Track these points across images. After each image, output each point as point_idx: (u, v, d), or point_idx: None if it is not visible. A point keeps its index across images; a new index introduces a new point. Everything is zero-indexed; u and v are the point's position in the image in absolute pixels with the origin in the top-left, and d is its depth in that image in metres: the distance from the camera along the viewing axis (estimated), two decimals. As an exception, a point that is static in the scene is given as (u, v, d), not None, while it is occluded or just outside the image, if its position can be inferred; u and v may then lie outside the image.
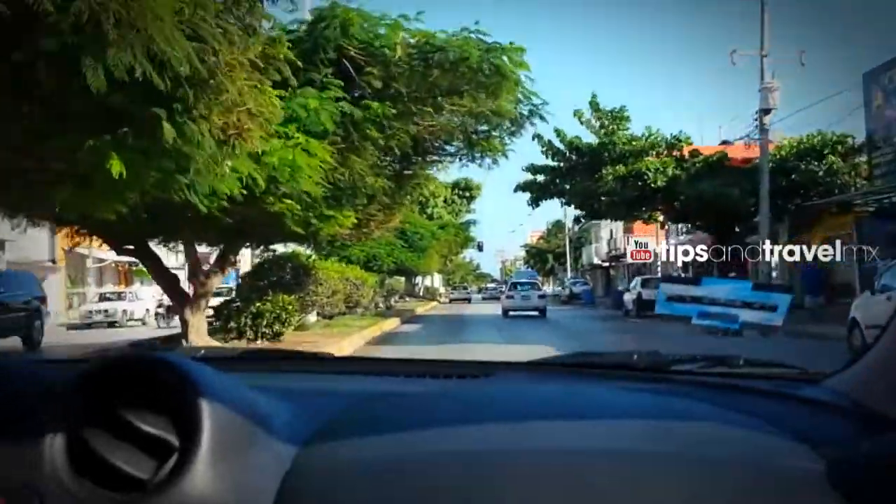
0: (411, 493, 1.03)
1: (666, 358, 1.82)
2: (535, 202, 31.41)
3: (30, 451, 1.03)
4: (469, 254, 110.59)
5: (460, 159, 17.12)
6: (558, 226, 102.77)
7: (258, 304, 17.98)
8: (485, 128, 15.74)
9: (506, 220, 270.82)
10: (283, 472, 1.06)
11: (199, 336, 14.42)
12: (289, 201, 11.20)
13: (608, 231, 65.14)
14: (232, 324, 17.91)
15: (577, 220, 35.25)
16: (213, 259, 16.32)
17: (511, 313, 31.57)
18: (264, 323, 17.82)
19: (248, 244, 18.45)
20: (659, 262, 45.56)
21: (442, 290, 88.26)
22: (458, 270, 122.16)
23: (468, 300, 66.38)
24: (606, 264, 62.88)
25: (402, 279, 40.81)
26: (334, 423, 1.21)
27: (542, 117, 14.48)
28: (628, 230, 56.45)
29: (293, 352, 2.38)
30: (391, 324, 26.77)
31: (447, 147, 16.76)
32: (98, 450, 1.03)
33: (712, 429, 1.19)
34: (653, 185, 26.66)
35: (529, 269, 77.52)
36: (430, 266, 42.58)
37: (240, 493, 1.02)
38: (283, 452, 1.10)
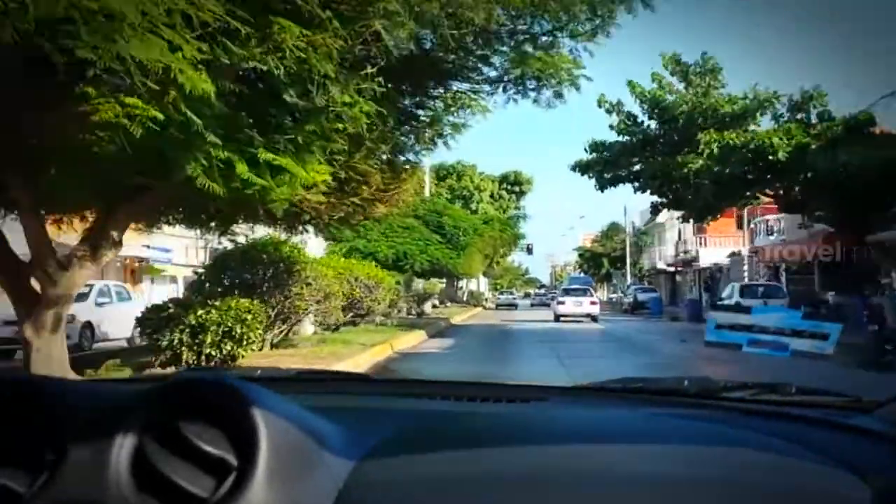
0: None
1: (716, 384, 1.83)
2: (600, 185, 24.78)
3: (95, 468, 1.05)
4: (517, 257, 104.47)
5: (505, 89, 10.60)
6: (614, 228, 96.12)
7: (200, 314, 11.86)
8: (546, 25, 9.30)
9: (557, 222, 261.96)
10: (337, 491, 1.07)
11: (53, 367, 8.27)
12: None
13: (675, 232, 58.06)
14: (162, 341, 11.83)
15: (653, 208, 27.66)
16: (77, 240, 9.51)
17: (562, 319, 32.70)
18: (208, 340, 11.75)
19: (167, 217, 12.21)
20: (744, 267, 38.48)
21: (488, 294, 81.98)
22: (506, 274, 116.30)
23: (514, 306, 62.02)
24: (672, 269, 55.78)
25: (441, 282, 34.23)
26: (387, 442, 1.22)
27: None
28: (701, 230, 49.30)
29: (344, 373, 2.42)
30: (412, 339, 20.25)
31: (483, 67, 10.22)
32: (160, 468, 1.04)
33: (759, 456, 1.18)
34: (771, 158, 19.67)
35: (583, 275, 71.45)
36: (472, 267, 36.03)
37: None
38: (337, 471, 1.11)
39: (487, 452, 1.19)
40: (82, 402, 1.19)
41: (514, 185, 56.72)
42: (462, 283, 72.19)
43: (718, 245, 47.74)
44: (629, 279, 62.23)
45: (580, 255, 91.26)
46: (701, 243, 48.31)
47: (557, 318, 33.09)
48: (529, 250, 78.55)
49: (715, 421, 1.43)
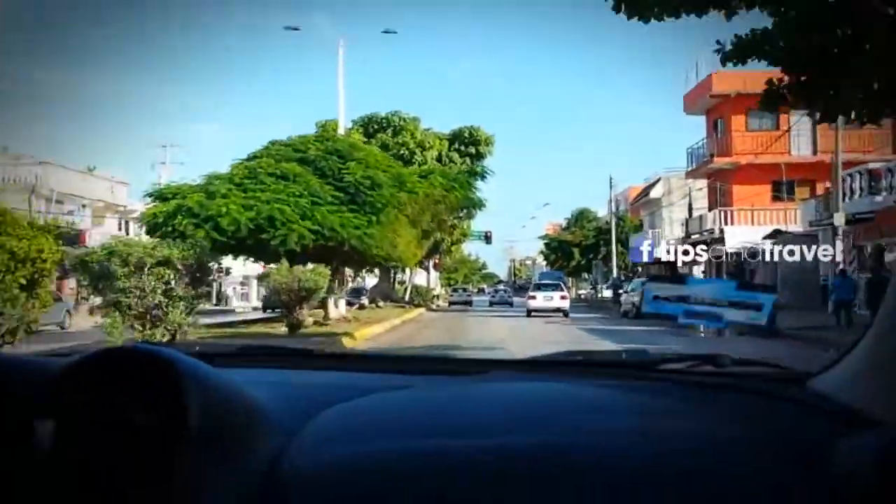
0: (395, 489, 1.01)
1: (654, 356, 1.83)
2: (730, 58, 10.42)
3: (18, 444, 1.02)
4: (473, 248, 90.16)
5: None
6: (584, 214, 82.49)
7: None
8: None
9: (516, 211, 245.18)
10: (269, 465, 1.05)
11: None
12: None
13: (674, 212, 44.30)
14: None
15: (771, 97, 12.70)
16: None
17: (534, 313, 32.60)
18: None
19: None
20: (833, 250, 24.50)
21: (439, 291, 67.70)
22: (461, 267, 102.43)
23: (469, 303, 53.06)
24: (675, 258, 41.98)
25: (325, 270, 19.29)
26: (323, 417, 1.19)
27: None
28: (725, 202, 35.54)
29: (287, 348, 2.21)
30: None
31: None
32: (87, 441, 1.02)
33: (695, 428, 1.19)
34: None
35: (553, 271, 63.02)
36: (396, 245, 21.31)
37: (228, 487, 1.02)
38: (272, 445, 1.09)
39: (428, 426, 1.17)
40: (6, 377, 1.15)
41: (468, 144, 42.08)
42: (404, 277, 57.89)
43: (750, 222, 33.98)
44: (615, 272, 48.19)
45: (546, 245, 77.61)
46: (725, 219, 34.45)
47: (529, 312, 32.88)
48: (488, 238, 65.05)
49: (653, 392, 1.43)
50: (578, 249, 69.31)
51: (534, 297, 34.02)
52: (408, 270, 57.01)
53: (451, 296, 58.19)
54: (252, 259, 22.95)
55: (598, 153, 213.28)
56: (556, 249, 73.44)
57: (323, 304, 26.40)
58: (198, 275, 12.78)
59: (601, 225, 71.50)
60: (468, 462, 1.03)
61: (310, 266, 18.62)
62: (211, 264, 13.70)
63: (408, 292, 51.91)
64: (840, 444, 1.07)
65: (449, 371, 1.74)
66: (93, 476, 0.99)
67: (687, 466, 1.03)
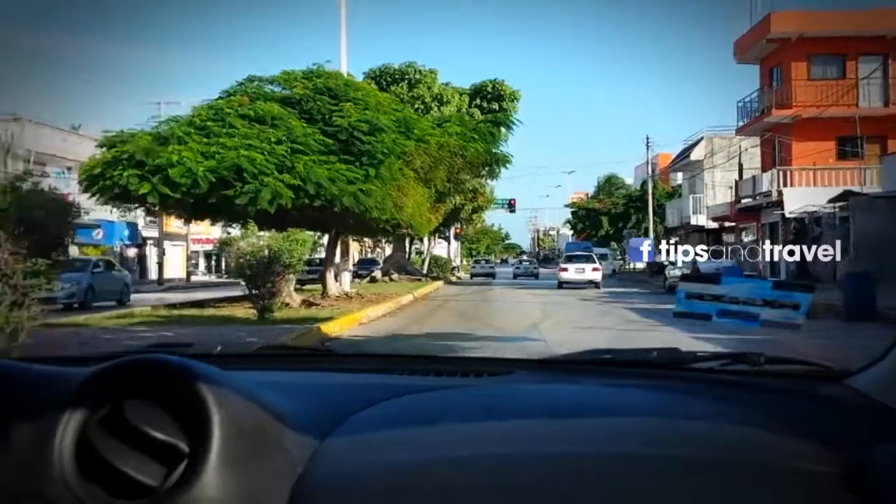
0: (424, 497, 1.00)
1: (685, 355, 1.73)
2: None
3: (37, 457, 1.00)
4: (495, 218, 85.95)
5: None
6: (613, 181, 78.00)
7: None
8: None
9: (540, 180, 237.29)
10: (295, 475, 1.02)
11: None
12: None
13: (719, 177, 39.93)
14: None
15: None
16: None
17: (565, 285, 32.06)
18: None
19: None
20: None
21: (458, 262, 63.77)
22: (483, 238, 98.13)
23: (492, 276, 49.16)
24: (718, 225, 37.58)
25: (312, 236, 15.18)
26: (348, 424, 1.17)
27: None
28: (782, 161, 31.04)
29: (310, 349, 2.36)
30: None
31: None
32: (106, 455, 0.99)
33: (729, 429, 1.16)
34: None
35: (581, 241, 59.40)
36: (406, 212, 17.17)
37: (251, 499, 0.99)
38: (297, 454, 1.06)
39: (453, 430, 1.15)
40: (24, 386, 1.12)
41: (491, 100, 37.64)
42: (422, 247, 53.81)
43: (812, 183, 29.54)
44: (650, 239, 43.85)
45: (573, 214, 73.26)
46: (783, 180, 29.99)
47: (560, 284, 32.39)
48: (511, 207, 61.43)
49: (684, 392, 1.39)
50: (607, 218, 65.38)
51: (565, 269, 33.34)
52: (425, 240, 53.13)
53: (473, 267, 54.24)
54: (223, 223, 18.79)
55: (627, 118, 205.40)
56: (584, 218, 69.19)
57: (321, 279, 22.56)
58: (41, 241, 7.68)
59: (631, 192, 67.40)
60: (493, 467, 1.02)
61: (291, 236, 14.49)
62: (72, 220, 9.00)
63: (426, 264, 47.95)
64: (881, 446, 1.05)
65: (473, 371, 1.65)
66: (114, 493, 0.96)
67: (721, 471, 1.01)
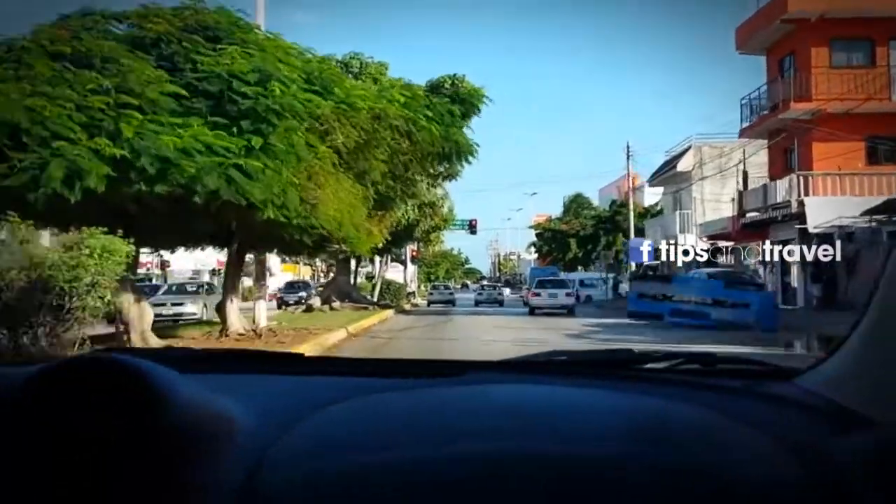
0: (376, 498, 1.00)
1: (639, 355, 1.73)
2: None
3: None
4: (454, 242, 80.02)
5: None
6: (579, 201, 72.63)
7: None
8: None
9: (500, 202, 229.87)
10: (246, 473, 1.01)
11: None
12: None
13: (709, 190, 34.86)
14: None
15: None
16: None
17: (537, 311, 30.37)
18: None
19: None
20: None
21: (415, 287, 57.75)
22: (442, 262, 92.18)
23: (451, 303, 44.12)
24: (710, 247, 32.03)
25: (91, 234, 9.29)
26: (299, 426, 1.16)
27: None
28: (801, 166, 25.63)
29: (262, 352, 2.05)
30: None
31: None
32: (57, 451, 0.98)
33: (682, 428, 1.18)
34: None
35: (547, 266, 54.53)
36: (326, 212, 11.46)
37: (199, 500, 0.99)
38: (248, 453, 1.05)
39: (406, 431, 1.15)
40: None
41: (452, 101, 31.78)
42: (374, 270, 47.60)
43: (838, 192, 24.23)
44: (632, 263, 38.42)
45: (538, 235, 68.14)
46: (804, 188, 24.58)
47: (532, 310, 30.55)
48: (472, 228, 55.84)
49: (638, 392, 1.40)
50: (575, 240, 60.30)
51: (538, 295, 31.26)
52: (377, 262, 46.96)
53: (431, 294, 48.20)
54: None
55: (594, 132, 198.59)
56: (550, 241, 63.88)
57: (219, 310, 16.43)
58: None
59: (600, 213, 62.31)
60: (445, 470, 1.01)
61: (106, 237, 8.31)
62: None
63: (377, 290, 41.87)
64: (829, 442, 1.06)
65: (426, 374, 1.57)
66: (58, 490, 0.95)
67: (673, 467, 1.02)
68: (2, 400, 1.03)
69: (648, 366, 1.63)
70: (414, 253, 57.46)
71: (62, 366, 1.05)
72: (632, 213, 37.97)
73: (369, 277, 46.22)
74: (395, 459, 1.04)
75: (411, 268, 58.50)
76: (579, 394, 1.40)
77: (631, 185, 38.79)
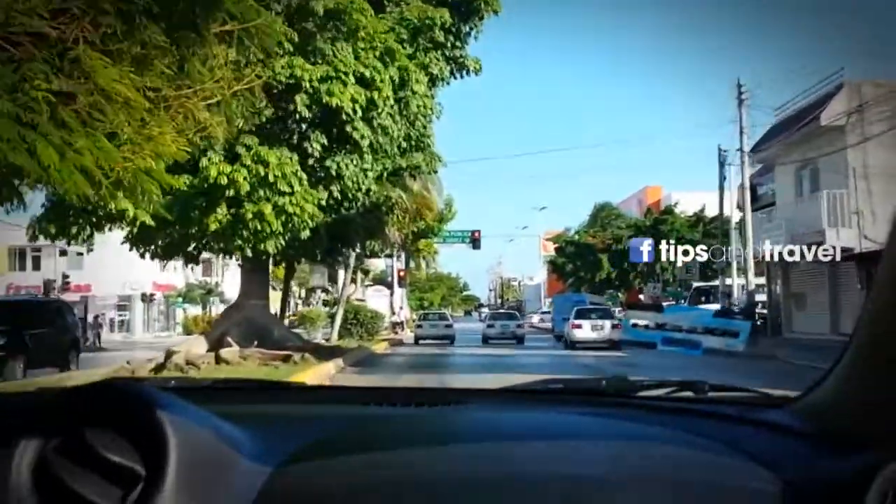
0: None
1: (634, 384, 1.74)
2: None
3: None
4: (451, 266, 64.98)
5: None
6: (607, 211, 58.06)
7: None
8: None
9: (503, 220, 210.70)
10: (251, 500, 1.04)
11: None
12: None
13: (873, 155, 20.44)
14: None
15: None
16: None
17: (579, 345, 26.49)
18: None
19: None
20: None
21: (404, 316, 42.87)
22: (438, 287, 77.47)
23: (450, 340, 30.71)
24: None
25: None
26: (304, 449, 1.18)
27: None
28: None
29: (265, 381, 2.18)
30: None
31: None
32: (63, 478, 0.99)
33: (676, 454, 1.18)
34: None
35: (574, 294, 42.87)
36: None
37: None
38: (252, 479, 1.07)
39: (406, 456, 1.16)
40: None
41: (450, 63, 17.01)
42: (335, 293, 32.88)
43: None
44: (749, 282, 23.76)
45: (558, 251, 53.98)
46: None
47: (573, 345, 26.06)
48: (475, 242, 42.53)
49: (633, 419, 1.41)
50: (607, 256, 46.23)
51: (579, 327, 26.21)
52: (339, 280, 32.23)
53: (420, 327, 32.60)
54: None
55: (601, 148, 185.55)
56: (574, 257, 49.47)
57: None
58: None
59: (636, 222, 48.16)
60: (446, 492, 1.03)
61: None
62: None
63: (337, 320, 27.13)
64: (821, 469, 1.07)
65: (427, 402, 1.64)
66: None
67: (666, 494, 1.02)
68: (17, 423, 1.02)
69: (642, 393, 1.65)
70: (401, 273, 43.22)
71: (75, 392, 1.06)
72: (748, 195, 23.07)
73: (327, 303, 31.58)
74: (398, 482, 1.05)
75: (399, 292, 43.94)
76: (575, 420, 1.40)
77: (742, 144, 23.67)
